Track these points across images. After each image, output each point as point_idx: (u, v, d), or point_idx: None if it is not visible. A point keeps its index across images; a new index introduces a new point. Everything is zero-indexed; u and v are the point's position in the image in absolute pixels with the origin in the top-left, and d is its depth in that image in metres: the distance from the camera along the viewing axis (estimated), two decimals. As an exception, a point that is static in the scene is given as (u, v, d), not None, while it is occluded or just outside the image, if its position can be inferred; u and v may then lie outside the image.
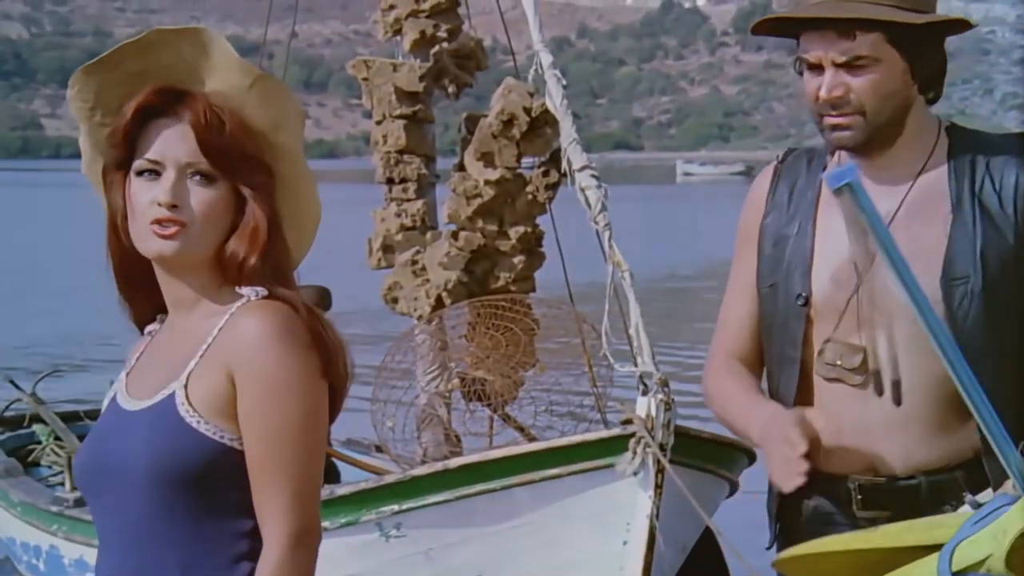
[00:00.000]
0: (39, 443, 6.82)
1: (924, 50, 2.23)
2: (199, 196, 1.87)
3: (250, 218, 1.89)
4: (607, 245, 4.60)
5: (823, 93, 2.22)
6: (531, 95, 5.31)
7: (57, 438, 6.69)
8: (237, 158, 1.89)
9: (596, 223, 4.70)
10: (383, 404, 5.23)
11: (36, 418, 6.87)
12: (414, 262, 5.56)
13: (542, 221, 5.58)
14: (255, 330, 1.84)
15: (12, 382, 7.08)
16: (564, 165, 4.86)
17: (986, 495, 2.09)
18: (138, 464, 1.84)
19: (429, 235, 5.65)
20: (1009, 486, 2.03)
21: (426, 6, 5.69)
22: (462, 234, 5.48)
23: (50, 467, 6.74)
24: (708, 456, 4.65)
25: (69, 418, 6.98)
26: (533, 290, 5.56)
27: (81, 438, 6.74)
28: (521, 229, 5.49)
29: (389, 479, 4.60)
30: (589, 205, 4.76)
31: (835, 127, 2.24)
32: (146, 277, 1.94)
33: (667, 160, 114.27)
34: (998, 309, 2.21)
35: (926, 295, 2.03)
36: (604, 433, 4.39)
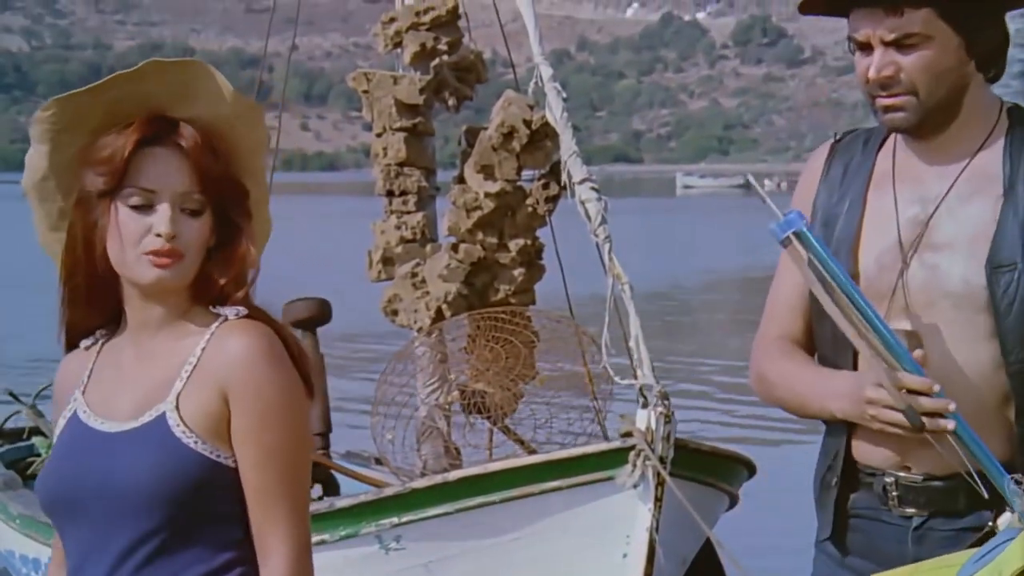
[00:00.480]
0: (38, 456, 6.80)
1: (980, 25, 2.12)
2: (192, 227, 1.90)
3: (240, 245, 1.93)
4: (607, 257, 4.60)
5: (872, 73, 2.13)
6: (531, 108, 5.32)
7: (56, 450, 6.68)
8: (228, 185, 1.93)
9: (596, 235, 4.71)
10: (383, 416, 5.23)
11: (35, 431, 6.87)
12: (414, 274, 5.56)
13: (542, 233, 5.58)
14: (246, 350, 1.88)
15: (12, 394, 7.08)
16: (564, 178, 4.87)
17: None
18: (134, 486, 1.86)
19: (429, 247, 5.65)
20: (1016, 519, 1.98)
21: (426, 19, 5.71)
22: (462, 246, 5.48)
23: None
24: (708, 469, 4.64)
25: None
26: (533, 302, 5.56)
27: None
28: (521, 241, 5.49)
29: (389, 492, 4.59)
30: (589, 218, 4.77)
31: (887, 108, 2.14)
32: (107, 295, 1.95)
33: (667, 173, 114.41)
34: None
35: (894, 333, 1.98)
36: (604, 446, 4.39)
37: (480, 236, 5.48)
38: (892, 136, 2.24)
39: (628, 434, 4.20)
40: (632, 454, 4.16)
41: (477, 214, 5.43)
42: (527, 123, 5.30)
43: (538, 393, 5.21)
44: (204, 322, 1.93)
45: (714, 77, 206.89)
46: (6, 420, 7.05)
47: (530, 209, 5.46)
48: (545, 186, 5.43)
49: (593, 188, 4.76)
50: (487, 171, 5.42)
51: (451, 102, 5.80)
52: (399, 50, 5.80)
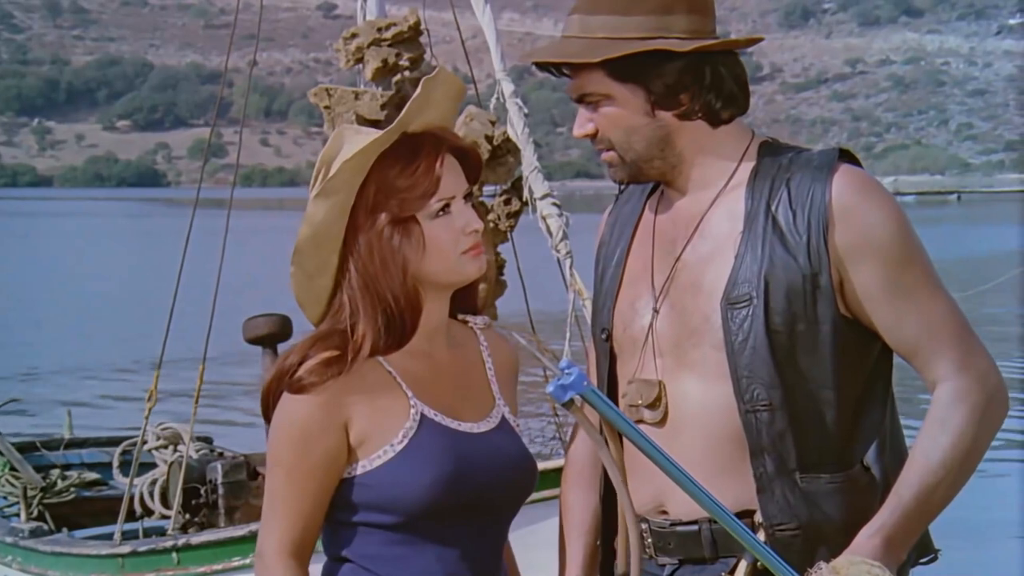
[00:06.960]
0: (-10, 474, 6.72)
1: (649, 79, 2.05)
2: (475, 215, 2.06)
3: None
4: (568, 273, 4.61)
5: (574, 130, 2.14)
6: (493, 123, 5.32)
7: (12, 468, 6.61)
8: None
9: (557, 251, 4.71)
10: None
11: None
12: (375, 290, 5.55)
13: (503, 249, 5.59)
14: (517, 359, 2.17)
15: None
16: (526, 193, 4.88)
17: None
18: (526, 480, 2.07)
19: (390, 263, 5.64)
20: None
21: (388, 35, 5.70)
22: (423, 262, 5.47)
23: (5, 497, 6.66)
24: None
25: (25, 448, 6.90)
26: (495, 318, 5.56)
27: (38, 468, 6.67)
28: (482, 257, 5.50)
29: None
30: (551, 233, 4.78)
31: (605, 162, 2.14)
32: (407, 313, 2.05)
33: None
34: (785, 334, 2.01)
35: (692, 478, 1.88)
36: (563, 462, 4.38)
37: (441, 252, 5.47)
38: (658, 187, 2.19)
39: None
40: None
41: (438, 230, 5.43)
42: (489, 139, 5.31)
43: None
44: (461, 329, 2.12)
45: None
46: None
47: (492, 225, 5.46)
48: (507, 202, 5.44)
49: (555, 204, 4.77)
50: (448, 187, 5.42)
51: (412, 118, 5.79)
52: (360, 66, 5.80)
